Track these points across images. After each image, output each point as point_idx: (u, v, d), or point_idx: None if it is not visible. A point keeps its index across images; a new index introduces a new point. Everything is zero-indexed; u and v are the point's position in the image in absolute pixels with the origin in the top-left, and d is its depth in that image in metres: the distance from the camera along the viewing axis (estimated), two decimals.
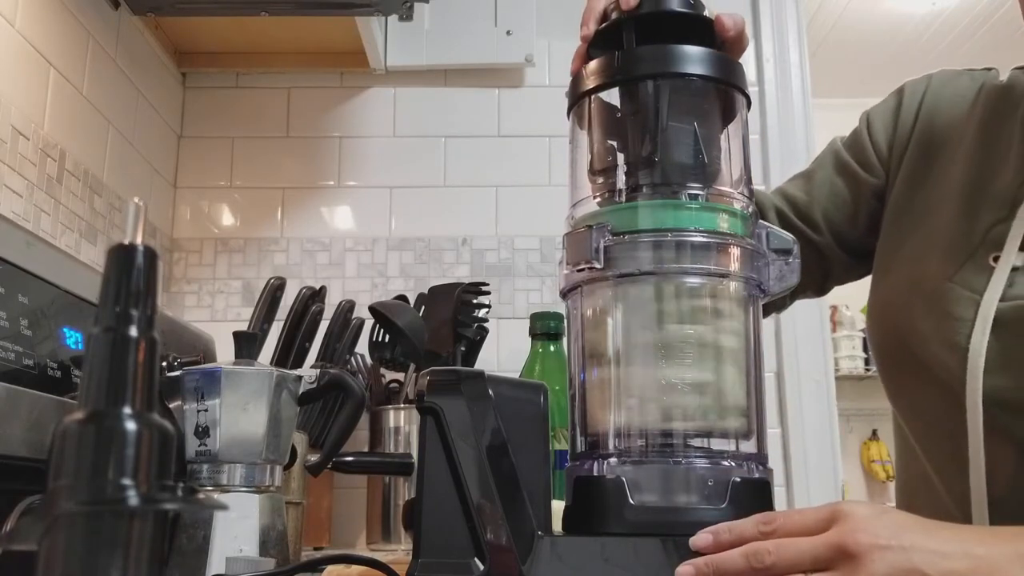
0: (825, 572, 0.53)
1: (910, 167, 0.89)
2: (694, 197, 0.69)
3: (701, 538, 0.57)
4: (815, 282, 0.99)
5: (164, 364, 0.85)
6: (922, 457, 0.85)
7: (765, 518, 0.57)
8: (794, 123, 1.76)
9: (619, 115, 0.73)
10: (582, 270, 0.67)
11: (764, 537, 0.56)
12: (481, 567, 0.60)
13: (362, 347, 1.42)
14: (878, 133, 0.94)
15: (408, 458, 0.78)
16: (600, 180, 0.72)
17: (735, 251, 0.68)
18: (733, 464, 0.65)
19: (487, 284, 1.42)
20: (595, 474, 0.65)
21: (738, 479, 0.63)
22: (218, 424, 0.81)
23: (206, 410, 0.81)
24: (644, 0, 0.71)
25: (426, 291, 1.46)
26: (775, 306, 1.01)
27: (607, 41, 0.73)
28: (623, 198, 0.69)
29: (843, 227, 0.95)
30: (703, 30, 0.72)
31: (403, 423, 1.37)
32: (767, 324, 1.51)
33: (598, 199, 0.72)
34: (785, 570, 0.54)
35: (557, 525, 0.66)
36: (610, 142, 0.73)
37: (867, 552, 0.52)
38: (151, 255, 0.35)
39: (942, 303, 0.79)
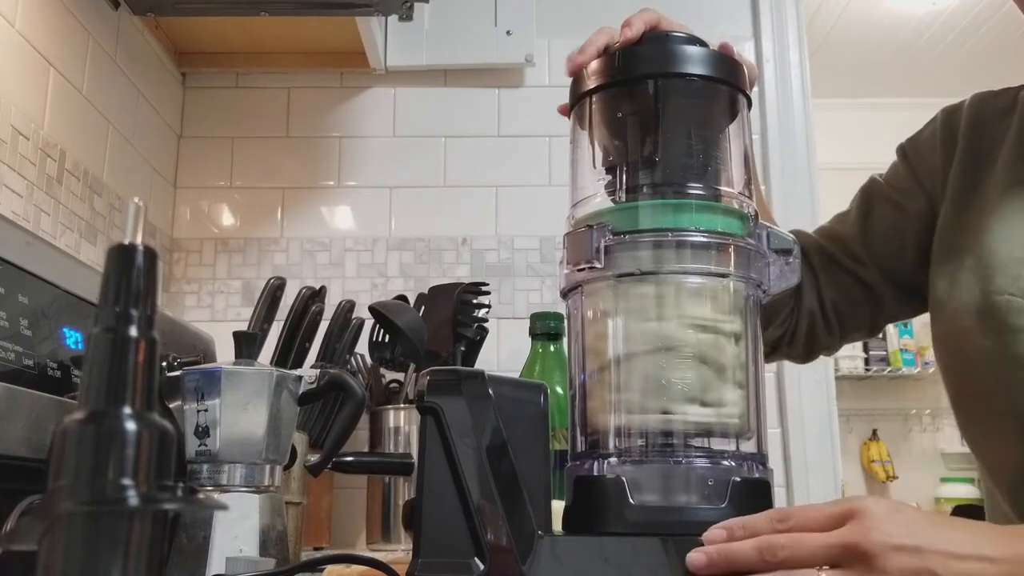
0: (837, 570, 0.53)
1: (956, 188, 0.87)
2: (694, 197, 0.69)
3: (714, 533, 0.56)
4: (866, 320, 0.96)
5: (164, 364, 0.85)
6: (1001, 499, 0.83)
7: (780, 515, 0.56)
8: (794, 123, 1.76)
9: (620, 115, 0.73)
10: (582, 270, 0.67)
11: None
12: (481, 567, 0.60)
13: (362, 347, 1.41)
14: (919, 158, 0.92)
15: (408, 458, 0.78)
16: (610, 178, 0.72)
17: (735, 251, 0.68)
18: (733, 464, 0.65)
19: (487, 284, 1.41)
20: (595, 474, 0.65)
21: (738, 479, 0.63)
22: (218, 424, 0.81)
23: (206, 410, 0.81)
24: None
25: (426, 291, 1.46)
26: (823, 346, 0.98)
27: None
28: (624, 198, 0.69)
29: (890, 260, 0.92)
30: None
31: (403, 423, 1.37)
32: None
33: (600, 197, 0.72)
34: (798, 565, 0.53)
35: (557, 525, 0.66)
36: (616, 142, 0.73)
37: (880, 552, 0.52)
38: (151, 255, 0.35)
39: (1001, 317, 0.77)
